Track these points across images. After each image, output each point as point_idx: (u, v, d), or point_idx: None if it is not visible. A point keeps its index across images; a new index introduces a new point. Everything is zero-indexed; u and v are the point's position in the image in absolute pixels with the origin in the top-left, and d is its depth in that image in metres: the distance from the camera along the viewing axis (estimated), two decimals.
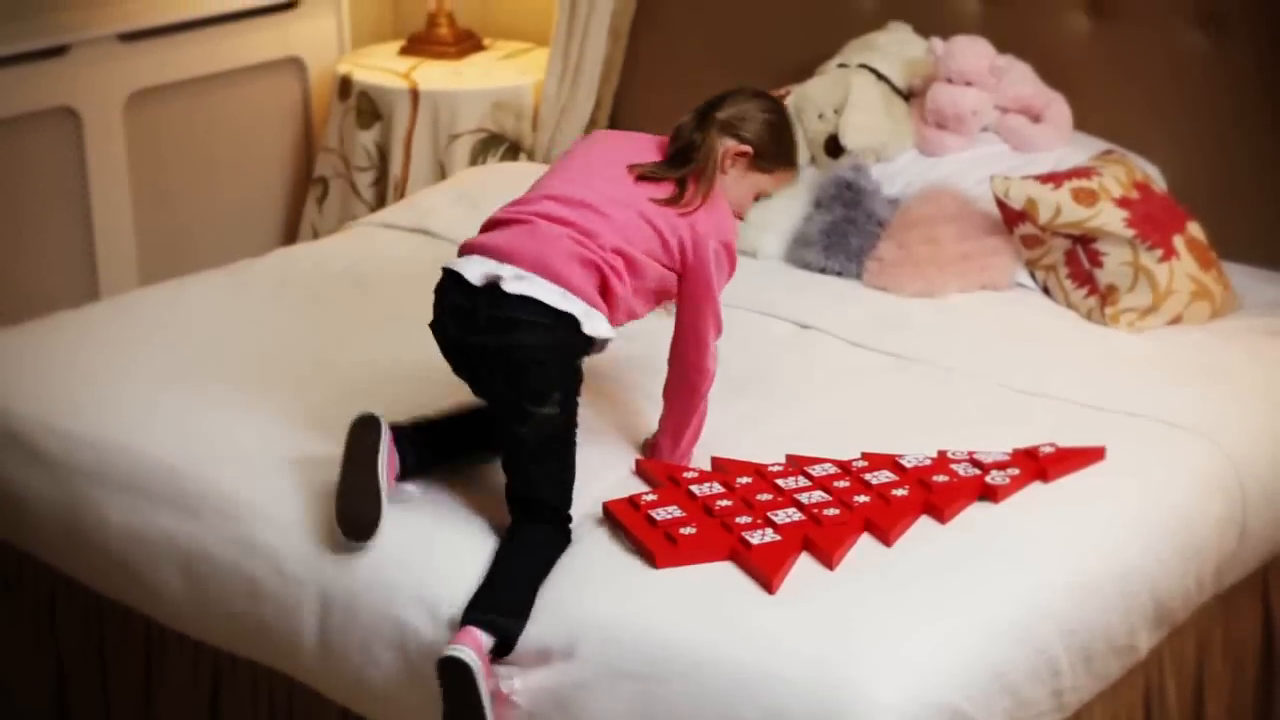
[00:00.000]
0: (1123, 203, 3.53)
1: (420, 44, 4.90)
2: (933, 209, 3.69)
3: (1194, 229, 3.60)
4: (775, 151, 3.02)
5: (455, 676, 2.55)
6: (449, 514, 2.83)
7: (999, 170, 3.68)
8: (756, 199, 3.04)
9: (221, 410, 3.12)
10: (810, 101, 3.94)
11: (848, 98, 3.89)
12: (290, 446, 3.00)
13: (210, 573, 2.91)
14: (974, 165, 3.81)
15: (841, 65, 4.01)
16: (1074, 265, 3.57)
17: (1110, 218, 3.51)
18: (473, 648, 2.56)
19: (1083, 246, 3.55)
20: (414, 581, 2.73)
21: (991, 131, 3.91)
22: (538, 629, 2.62)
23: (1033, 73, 3.94)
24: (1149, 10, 3.90)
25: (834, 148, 3.88)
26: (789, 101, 3.97)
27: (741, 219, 3.02)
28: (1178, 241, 3.55)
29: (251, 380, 3.21)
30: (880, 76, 3.96)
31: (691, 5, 4.45)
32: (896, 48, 4.04)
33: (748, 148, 2.96)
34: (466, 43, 4.91)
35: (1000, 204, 3.60)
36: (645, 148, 2.98)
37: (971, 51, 3.87)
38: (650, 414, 3.06)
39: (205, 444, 3.03)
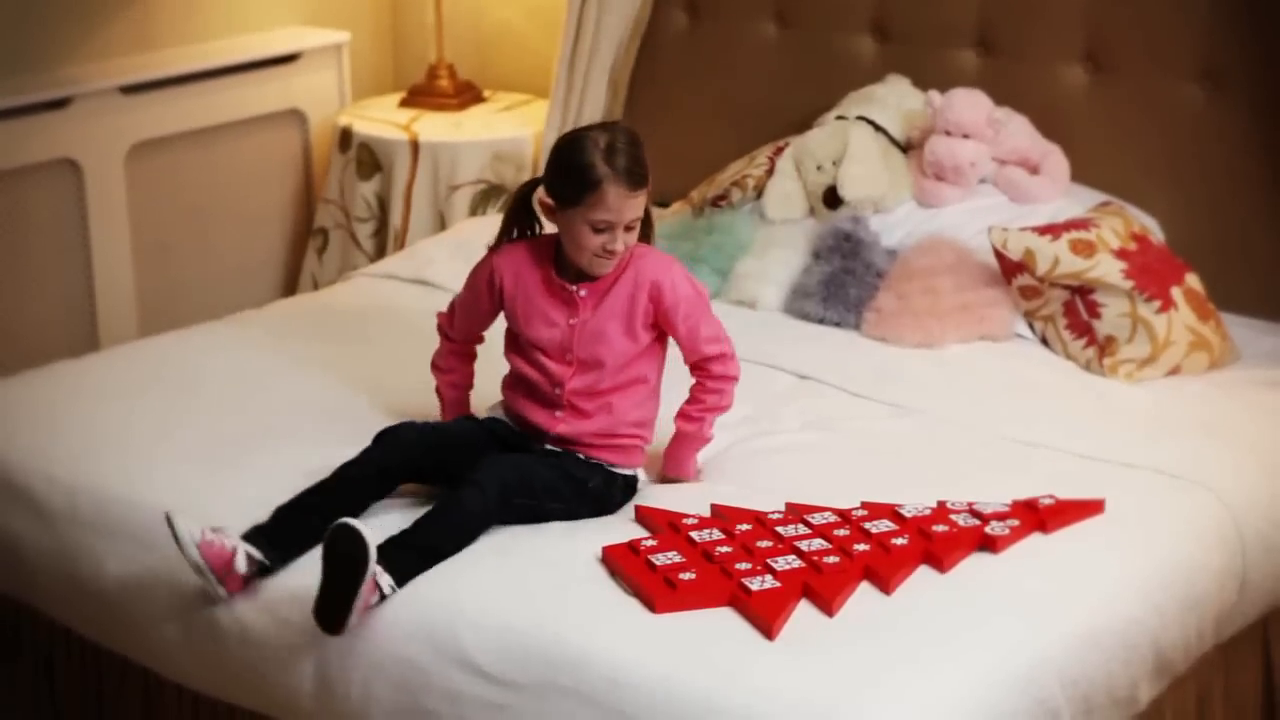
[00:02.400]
0: (1121, 254, 3.54)
1: (420, 96, 4.93)
2: (931, 260, 3.70)
3: (1192, 280, 3.61)
4: (562, 184, 2.91)
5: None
6: None
7: (997, 221, 3.69)
8: (600, 232, 2.89)
9: (221, 461, 3.12)
10: (809, 153, 3.95)
11: (846, 150, 3.90)
12: (288, 496, 3.00)
13: (207, 620, 2.90)
14: (972, 216, 3.82)
15: (840, 117, 4.03)
16: (1072, 316, 3.57)
17: (1108, 269, 3.52)
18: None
19: (1081, 297, 3.56)
20: (412, 616, 2.73)
21: (989, 183, 3.92)
22: (543, 665, 2.61)
23: (1030, 125, 3.95)
24: (1146, 64, 3.92)
25: (832, 199, 3.89)
26: (788, 153, 3.99)
27: (593, 261, 2.92)
28: (1176, 293, 3.55)
29: (251, 431, 3.21)
30: (878, 128, 3.98)
31: (690, 58, 4.47)
32: (895, 100, 4.05)
33: (546, 196, 2.95)
34: (466, 94, 4.94)
35: (998, 255, 3.61)
36: None
37: (969, 104, 3.88)
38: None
39: (203, 494, 3.03)
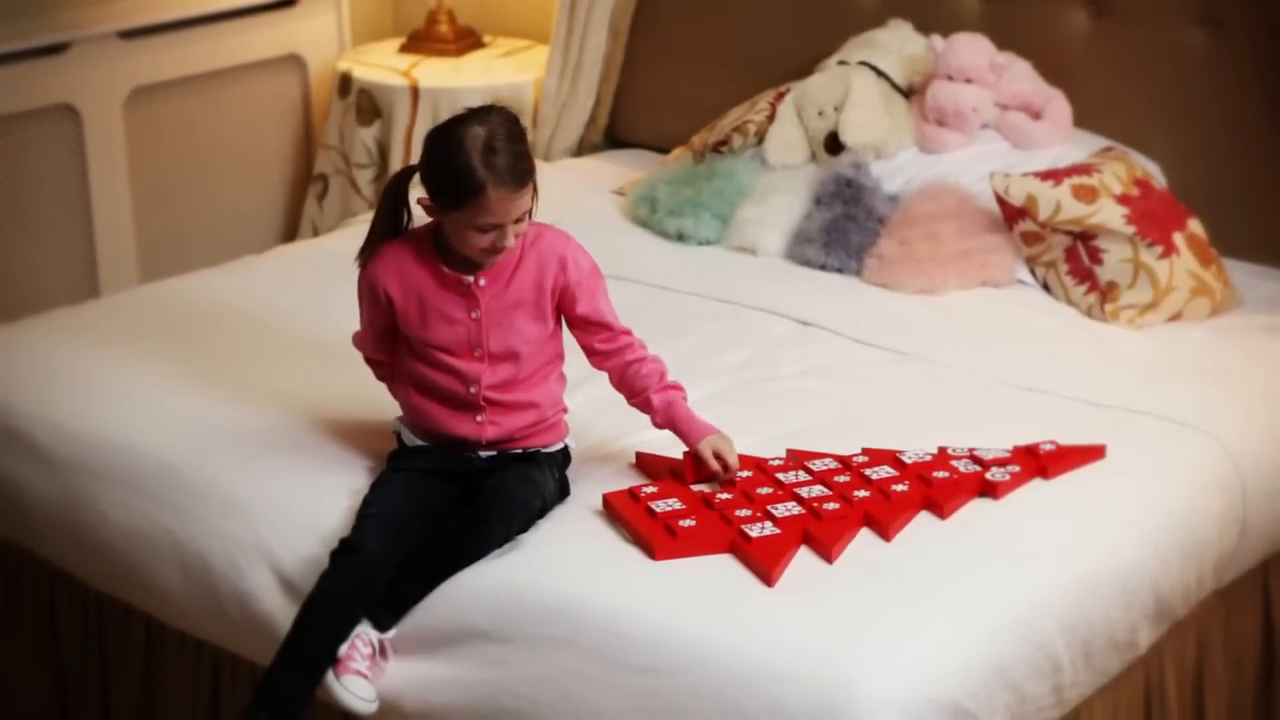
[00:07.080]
0: (1123, 199, 3.54)
1: (420, 41, 4.90)
2: (933, 206, 3.69)
3: (1194, 225, 3.60)
4: (440, 188, 2.71)
5: None
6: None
7: (999, 167, 3.68)
8: (487, 232, 2.69)
9: (222, 407, 3.12)
10: (810, 99, 3.94)
11: (848, 95, 3.89)
12: (290, 444, 3.00)
13: (208, 571, 2.90)
14: (974, 162, 3.81)
15: (842, 62, 4.02)
16: (1074, 262, 3.57)
17: (1110, 214, 3.51)
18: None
19: (1083, 243, 3.55)
20: None
21: (991, 128, 3.91)
22: (541, 617, 2.62)
23: (1033, 70, 3.94)
24: (1148, 8, 3.91)
25: (834, 145, 3.88)
26: (789, 99, 3.98)
27: (483, 255, 2.73)
28: (1178, 238, 3.55)
29: (252, 378, 3.21)
30: (880, 74, 3.96)
31: (691, 2, 4.45)
32: (897, 45, 4.04)
33: (426, 197, 2.74)
34: (466, 40, 4.91)
35: (1000, 201, 3.60)
36: None
37: (972, 48, 3.87)
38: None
39: (205, 441, 3.03)
